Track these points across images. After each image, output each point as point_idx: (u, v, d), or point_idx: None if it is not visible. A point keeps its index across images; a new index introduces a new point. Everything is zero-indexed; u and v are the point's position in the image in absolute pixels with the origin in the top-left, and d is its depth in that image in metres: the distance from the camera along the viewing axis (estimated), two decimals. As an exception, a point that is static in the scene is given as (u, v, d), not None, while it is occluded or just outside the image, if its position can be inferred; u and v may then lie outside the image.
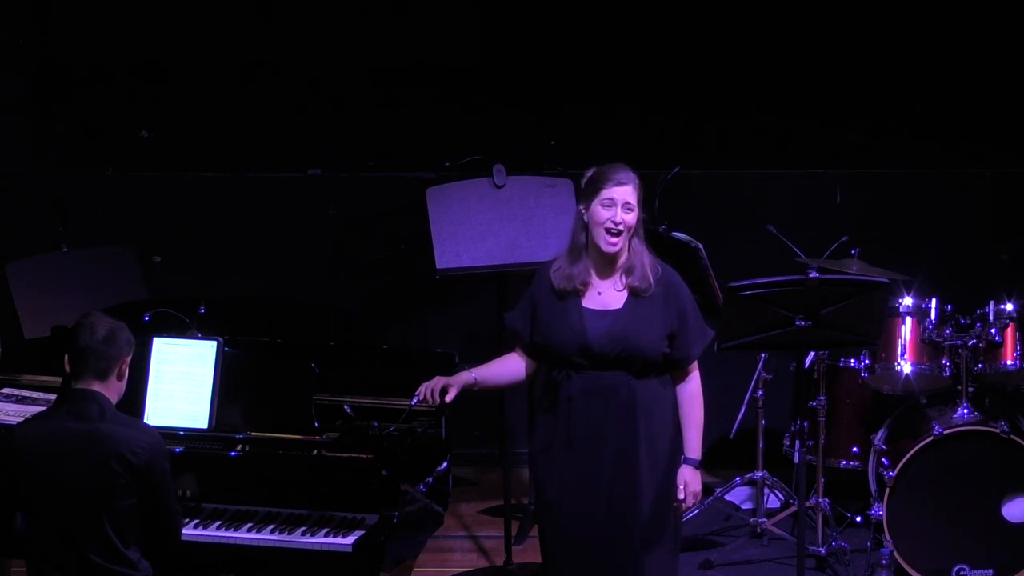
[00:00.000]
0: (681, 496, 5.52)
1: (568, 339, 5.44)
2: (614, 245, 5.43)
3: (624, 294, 5.48)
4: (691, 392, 5.58)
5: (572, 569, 5.51)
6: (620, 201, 5.40)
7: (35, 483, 5.10)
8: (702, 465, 5.61)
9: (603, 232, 5.41)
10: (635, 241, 5.48)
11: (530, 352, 5.62)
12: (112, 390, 5.16)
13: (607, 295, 5.49)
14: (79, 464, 5.03)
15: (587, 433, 5.45)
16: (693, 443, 5.57)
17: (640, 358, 5.43)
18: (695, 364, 5.59)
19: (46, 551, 5.11)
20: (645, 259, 5.48)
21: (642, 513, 5.46)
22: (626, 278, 5.48)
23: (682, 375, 5.57)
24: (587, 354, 5.43)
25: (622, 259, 5.48)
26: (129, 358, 5.19)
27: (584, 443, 5.45)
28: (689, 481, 5.53)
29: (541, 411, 5.59)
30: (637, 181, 5.46)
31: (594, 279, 5.50)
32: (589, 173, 5.52)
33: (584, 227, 5.48)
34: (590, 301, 5.49)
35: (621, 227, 5.41)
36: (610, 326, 5.43)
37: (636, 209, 5.44)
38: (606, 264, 5.49)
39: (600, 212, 5.41)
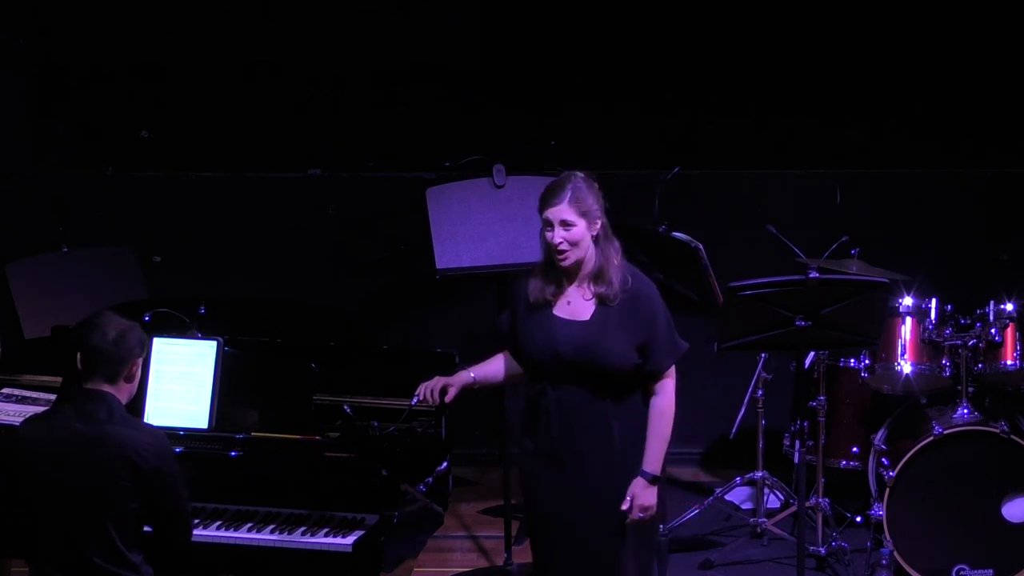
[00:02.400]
0: (625, 507, 5.41)
1: (541, 348, 5.45)
2: (564, 260, 5.43)
3: (592, 304, 5.46)
4: (660, 405, 5.47)
5: (559, 573, 5.52)
6: (556, 220, 5.40)
7: (36, 483, 5.08)
8: (661, 480, 5.48)
9: (552, 253, 5.44)
10: (606, 247, 5.45)
11: (516, 356, 5.64)
12: (122, 391, 5.14)
13: (576, 304, 5.48)
14: (82, 465, 5.02)
15: (565, 447, 5.43)
16: (652, 456, 5.44)
17: (608, 368, 5.39)
18: (670, 376, 5.49)
19: (47, 552, 5.10)
20: (614, 262, 5.46)
21: (623, 524, 5.42)
22: (593, 286, 5.47)
23: (653, 388, 5.50)
24: (558, 363, 5.42)
25: (588, 267, 5.46)
26: (140, 360, 5.17)
27: (564, 456, 5.44)
28: (638, 494, 5.41)
29: (524, 424, 5.59)
30: (573, 192, 5.39)
31: (565, 287, 5.50)
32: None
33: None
34: (561, 310, 5.49)
35: (564, 245, 5.41)
36: (578, 335, 5.41)
37: (580, 221, 5.39)
38: (570, 274, 5.49)
39: (545, 235, 5.45)
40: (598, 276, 5.44)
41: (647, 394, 5.48)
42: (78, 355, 5.13)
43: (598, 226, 5.43)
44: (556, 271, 5.49)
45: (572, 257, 5.42)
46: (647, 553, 5.57)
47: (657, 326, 5.45)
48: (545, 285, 5.50)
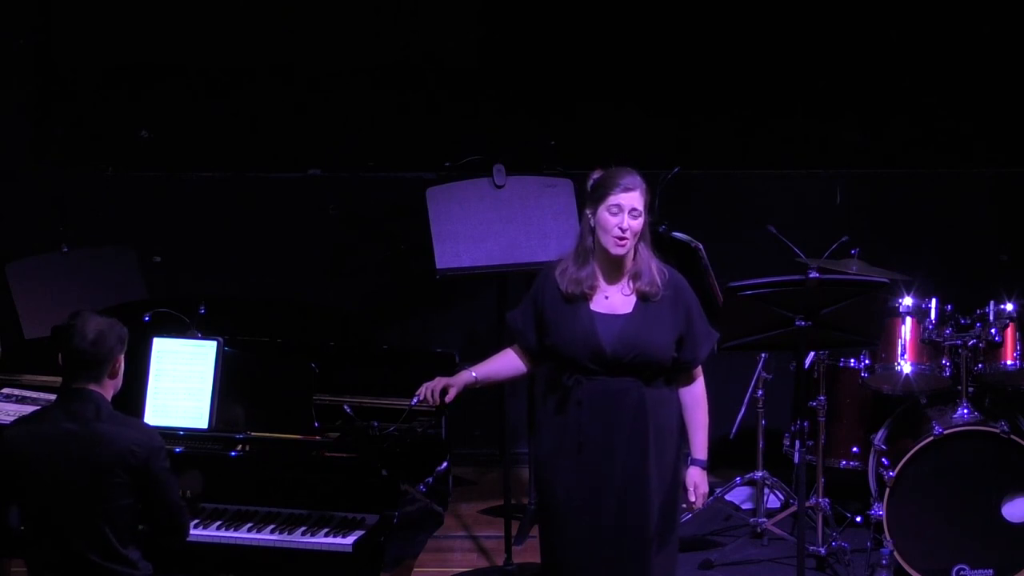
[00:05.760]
0: (692, 498, 5.57)
1: (579, 343, 5.44)
2: (622, 247, 5.44)
3: (632, 298, 5.49)
4: (696, 394, 5.60)
5: (577, 571, 5.51)
6: (627, 207, 5.41)
7: (30, 484, 5.08)
8: (707, 466, 5.64)
9: (611, 238, 5.43)
10: (642, 246, 5.50)
11: (532, 352, 5.62)
12: (107, 388, 5.13)
13: (615, 299, 5.50)
14: (74, 465, 5.02)
15: (597, 438, 5.45)
16: (700, 444, 5.60)
17: (652, 362, 5.45)
18: (700, 366, 5.60)
19: (44, 551, 5.10)
20: (652, 264, 5.50)
21: (652, 516, 5.47)
22: (634, 283, 5.49)
23: (688, 378, 5.59)
24: (599, 358, 5.43)
25: (629, 264, 5.50)
26: (122, 355, 5.16)
27: (594, 447, 5.46)
28: (698, 483, 5.59)
29: (547, 415, 5.58)
30: (644, 186, 5.47)
31: (601, 283, 5.51)
32: (596, 176, 5.53)
33: (591, 231, 5.49)
34: (598, 305, 5.49)
35: (628, 233, 5.42)
36: (622, 330, 5.44)
37: (643, 214, 5.45)
38: (614, 268, 5.50)
39: (607, 218, 5.42)
40: (641, 273, 5.47)
41: (676, 384, 5.55)
42: (59, 355, 5.13)
43: (646, 223, 5.49)
44: (591, 264, 5.49)
45: (629, 246, 5.44)
46: (673, 540, 5.60)
47: (694, 317, 5.54)
48: (582, 278, 5.49)
